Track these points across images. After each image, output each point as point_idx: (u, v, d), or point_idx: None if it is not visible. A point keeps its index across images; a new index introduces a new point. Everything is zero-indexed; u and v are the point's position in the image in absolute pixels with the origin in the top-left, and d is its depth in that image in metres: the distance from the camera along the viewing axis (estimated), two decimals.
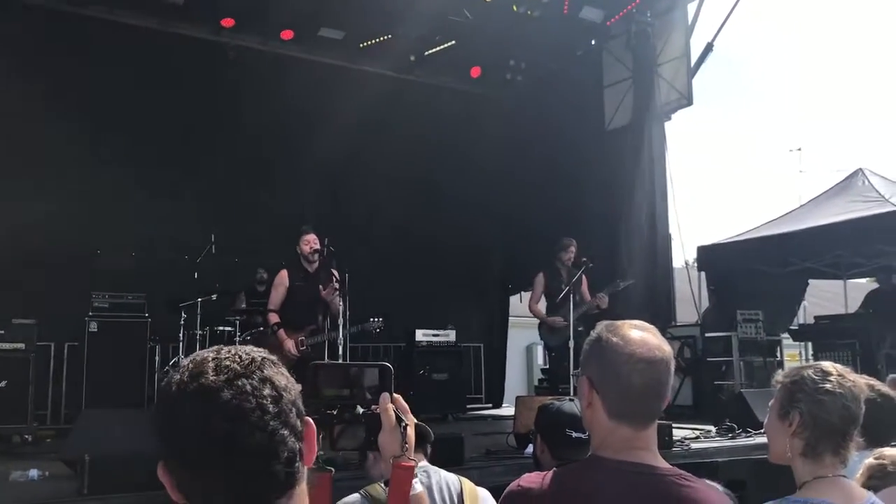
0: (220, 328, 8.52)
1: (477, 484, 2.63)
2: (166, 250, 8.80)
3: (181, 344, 8.27)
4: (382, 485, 2.37)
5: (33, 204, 8.39)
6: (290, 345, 7.02)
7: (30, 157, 8.69)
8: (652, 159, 10.03)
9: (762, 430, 2.56)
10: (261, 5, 9.70)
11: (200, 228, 8.74)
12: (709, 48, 10.16)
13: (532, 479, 1.83)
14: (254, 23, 10.05)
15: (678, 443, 6.11)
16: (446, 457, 3.80)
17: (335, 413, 1.70)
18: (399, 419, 1.68)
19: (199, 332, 8.16)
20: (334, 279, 7.06)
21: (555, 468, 1.87)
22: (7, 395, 6.90)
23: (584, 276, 8.32)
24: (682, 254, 11.13)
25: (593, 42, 11.10)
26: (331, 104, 9.98)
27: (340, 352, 6.95)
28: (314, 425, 1.19)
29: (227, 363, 1.12)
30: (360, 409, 1.70)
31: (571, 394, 6.35)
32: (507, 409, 10.21)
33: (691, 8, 10.23)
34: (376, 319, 7.18)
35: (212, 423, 1.07)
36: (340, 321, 6.94)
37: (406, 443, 1.67)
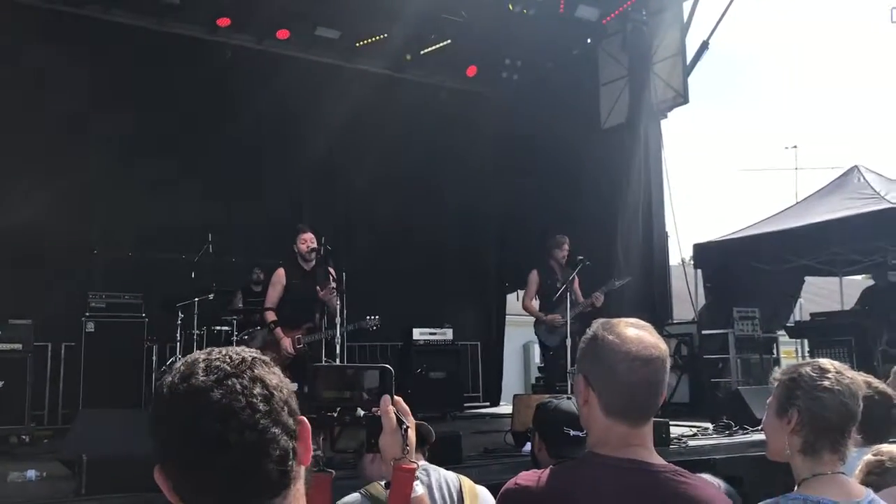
0: (218, 328, 8.50)
1: (475, 482, 2.63)
2: (163, 250, 8.79)
3: (178, 344, 8.25)
4: (382, 484, 2.37)
5: (30, 204, 8.36)
6: (286, 343, 7.03)
7: (26, 158, 8.67)
8: (648, 157, 10.04)
9: (759, 427, 2.56)
10: (257, 5, 9.70)
11: (197, 228, 8.73)
12: (704, 46, 10.19)
13: (528, 477, 1.83)
14: (250, 22, 10.05)
15: (675, 440, 6.10)
16: (444, 455, 3.80)
17: (335, 415, 1.70)
18: (400, 421, 1.68)
19: (197, 331, 8.14)
20: (331, 278, 7.06)
21: (551, 466, 1.88)
22: (4, 396, 6.87)
23: (575, 276, 8.31)
24: (679, 251, 11.18)
25: (589, 40, 11.11)
26: (327, 103, 9.99)
27: (338, 350, 6.96)
28: (308, 424, 1.19)
29: (218, 364, 1.13)
30: (361, 412, 1.70)
31: (569, 392, 6.35)
32: (505, 408, 10.21)
33: (686, 6, 10.25)
34: (372, 318, 7.19)
35: (202, 422, 1.07)
36: (337, 320, 6.95)
37: (407, 445, 1.67)
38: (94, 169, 9.18)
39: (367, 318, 7.19)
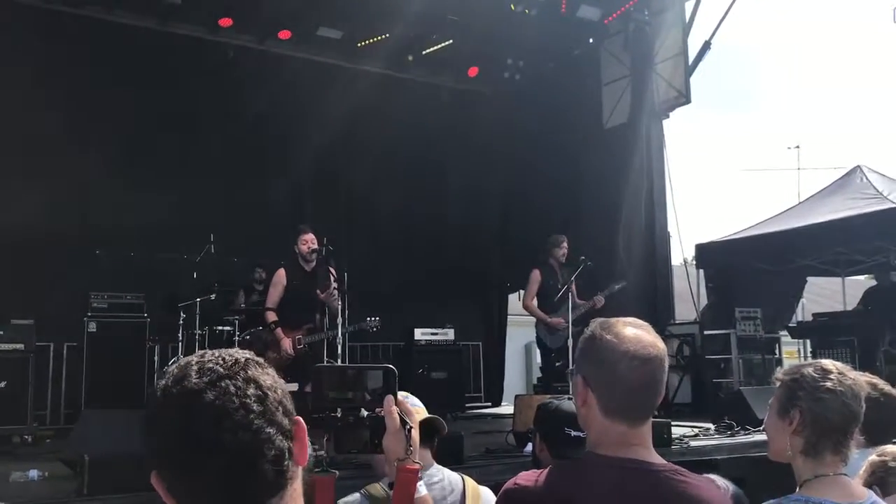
0: (220, 328, 8.50)
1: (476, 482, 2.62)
2: (165, 250, 8.78)
3: (180, 344, 8.25)
4: (382, 484, 2.36)
5: (31, 204, 8.36)
6: (286, 343, 7.03)
7: (27, 158, 8.67)
8: (650, 157, 10.04)
9: (761, 428, 2.55)
10: (258, 5, 9.70)
11: (199, 228, 8.73)
12: (706, 46, 10.18)
13: (528, 477, 1.83)
14: (252, 22, 10.05)
15: (677, 440, 6.09)
16: (446, 455, 3.79)
17: (338, 415, 1.70)
18: (403, 422, 1.67)
19: (199, 331, 8.14)
20: (332, 278, 7.06)
21: (550, 466, 1.87)
22: (6, 396, 6.89)
23: (576, 276, 8.30)
24: (681, 251, 11.18)
25: (591, 40, 11.08)
26: (328, 104, 9.97)
27: (339, 351, 6.96)
28: (304, 424, 1.19)
29: (211, 366, 1.13)
30: (364, 412, 1.69)
31: (570, 393, 6.34)
32: (507, 408, 10.20)
33: (688, 6, 10.25)
34: (372, 319, 7.19)
35: (196, 424, 1.07)
36: (339, 320, 6.95)
37: (410, 445, 1.67)
38: (95, 169, 9.17)
39: (368, 319, 7.20)
